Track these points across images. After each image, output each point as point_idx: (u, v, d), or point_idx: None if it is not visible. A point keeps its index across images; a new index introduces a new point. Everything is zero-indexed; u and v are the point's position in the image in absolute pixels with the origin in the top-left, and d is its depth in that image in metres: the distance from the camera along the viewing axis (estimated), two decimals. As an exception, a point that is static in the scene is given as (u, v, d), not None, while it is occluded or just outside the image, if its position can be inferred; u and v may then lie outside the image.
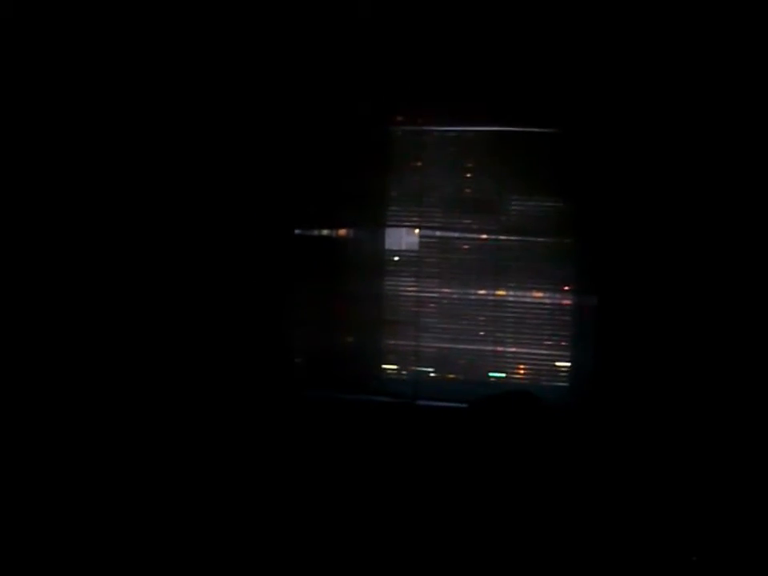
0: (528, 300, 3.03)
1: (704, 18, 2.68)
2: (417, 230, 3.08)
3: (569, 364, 3.00)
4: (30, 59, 3.03)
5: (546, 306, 3.03)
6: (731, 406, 2.76)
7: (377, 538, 2.76)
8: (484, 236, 3.03)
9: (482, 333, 3.05)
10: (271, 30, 2.99)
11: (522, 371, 3.06)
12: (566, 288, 2.98)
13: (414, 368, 3.11)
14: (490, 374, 3.07)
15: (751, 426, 2.75)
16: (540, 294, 3.03)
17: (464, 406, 2.88)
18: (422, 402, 3.01)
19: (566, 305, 2.99)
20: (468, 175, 3.03)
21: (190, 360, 3.10)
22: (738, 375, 2.76)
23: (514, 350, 3.05)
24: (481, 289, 3.04)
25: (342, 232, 3.13)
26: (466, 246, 3.04)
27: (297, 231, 3.11)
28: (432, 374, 3.11)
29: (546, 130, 2.94)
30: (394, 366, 3.14)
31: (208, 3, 2.97)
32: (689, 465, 2.79)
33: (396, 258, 3.09)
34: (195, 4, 2.98)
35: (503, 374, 3.06)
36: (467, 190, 3.03)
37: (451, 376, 3.10)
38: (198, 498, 2.94)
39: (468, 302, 3.05)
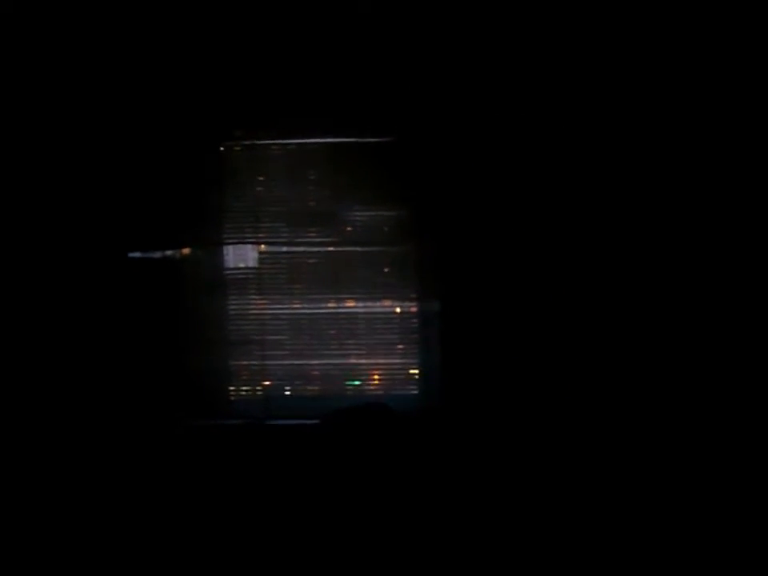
0: (375, 310, 3.03)
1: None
2: (260, 246, 3.01)
3: (418, 370, 3.02)
4: None
5: (392, 315, 3.03)
6: (569, 402, 2.88)
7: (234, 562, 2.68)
8: (326, 248, 3.00)
9: (330, 346, 3.02)
10: (101, 39, 2.85)
11: (374, 382, 3.05)
12: (411, 295, 3.00)
13: (262, 387, 3.04)
14: (345, 384, 3.04)
15: (588, 421, 2.87)
16: (386, 303, 3.03)
17: (313, 422, 2.85)
18: (272, 422, 2.94)
19: (412, 312, 3.01)
20: (307, 188, 3.00)
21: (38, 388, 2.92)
22: (575, 374, 2.87)
23: (364, 361, 3.04)
24: (326, 301, 3.01)
25: (181, 252, 3.01)
26: (308, 260, 3.00)
27: (131, 254, 2.96)
28: (283, 392, 3.05)
29: (381, 140, 2.95)
30: (243, 387, 3.05)
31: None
32: (537, 463, 2.88)
33: (237, 276, 3.01)
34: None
35: (356, 384, 3.04)
36: (307, 203, 3.00)
37: (303, 392, 3.05)
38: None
39: (314, 315, 3.01)
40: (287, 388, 3.06)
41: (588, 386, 2.86)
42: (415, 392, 3.03)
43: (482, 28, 2.80)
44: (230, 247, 3.00)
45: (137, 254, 2.97)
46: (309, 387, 3.04)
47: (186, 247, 3.00)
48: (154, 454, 2.94)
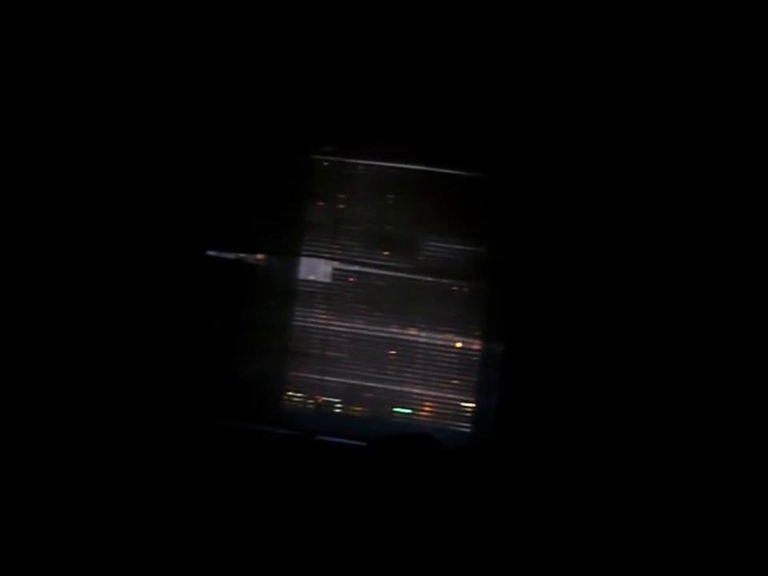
0: (437, 342, 3.02)
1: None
2: (334, 262, 3.05)
3: (473, 408, 2.99)
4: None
5: (454, 349, 3.02)
6: (634, 455, 2.80)
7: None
8: (399, 273, 3.01)
9: (389, 371, 3.02)
10: (195, 49, 2.95)
11: (426, 412, 3.03)
12: (475, 333, 2.98)
13: (316, 401, 3.04)
14: (395, 410, 3.03)
15: (659, 475, 2.79)
16: (449, 336, 3.02)
17: (363, 444, 2.83)
18: (321, 437, 2.94)
19: (474, 349, 2.99)
20: (388, 211, 3.02)
21: (93, 384, 2.97)
22: (636, 426, 2.80)
23: (420, 390, 3.02)
24: (391, 326, 3.01)
25: (256, 258, 3.06)
26: (379, 282, 3.01)
27: (209, 252, 3.03)
28: (335, 409, 3.05)
29: (469, 174, 2.96)
30: (298, 398, 3.07)
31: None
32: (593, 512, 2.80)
33: (307, 289, 3.04)
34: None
35: (408, 412, 3.03)
36: (386, 226, 3.02)
37: (355, 412, 3.05)
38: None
39: (377, 338, 3.02)
40: (339, 405, 3.06)
41: (654, 435, 2.79)
42: (467, 430, 2.99)
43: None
44: (305, 259, 3.04)
45: (214, 253, 3.03)
46: (360, 408, 3.04)
47: (262, 253, 3.05)
48: (200, 454, 2.96)
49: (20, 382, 2.95)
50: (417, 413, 3.04)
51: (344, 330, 3.04)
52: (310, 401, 3.06)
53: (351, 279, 3.03)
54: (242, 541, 2.82)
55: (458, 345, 3.02)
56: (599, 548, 2.76)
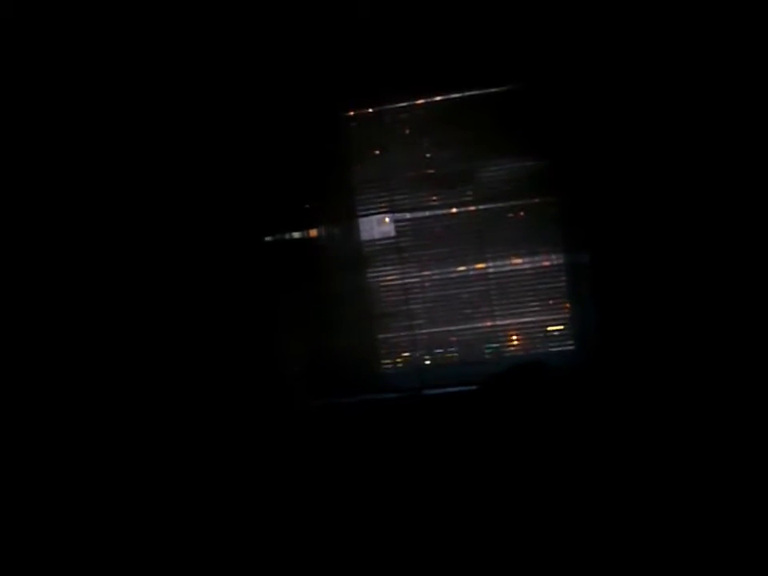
0: (518, 267, 2.90)
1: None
2: (392, 216, 2.93)
3: (570, 326, 2.88)
4: None
5: (538, 270, 2.89)
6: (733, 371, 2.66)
7: (393, 542, 2.65)
8: (461, 209, 2.89)
9: (478, 309, 2.92)
10: (222, 32, 2.83)
11: (524, 341, 2.94)
12: (556, 248, 2.86)
13: (413, 358, 2.97)
14: (490, 347, 2.94)
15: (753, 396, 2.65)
16: (530, 259, 2.89)
17: (472, 388, 2.76)
18: (428, 392, 2.88)
19: (559, 266, 2.87)
20: (437, 149, 2.88)
21: (175, 377, 2.96)
22: (737, 336, 2.65)
23: (513, 321, 2.92)
24: (469, 264, 2.90)
25: (314, 231, 2.96)
26: (444, 223, 2.89)
27: (267, 238, 2.94)
28: (435, 361, 2.97)
29: (506, 88, 2.79)
30: (393, 360, 3.00)
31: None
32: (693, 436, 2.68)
33: (375, 248, 2.94)
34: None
35: (507, 347, 2.94)
36: (438, 164, 2.89)
37: (456, 360, 2.97)
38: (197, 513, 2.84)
39: (458, 279, 2.91)
40: (439, 356, 2.98)
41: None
42: (569, 348, 2.90)
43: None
44: (365, 219, 2.93)
45: (271, 238, 2.95)
46: (458, 354, 2.96)
47: (318, 225, 2.95)
48: (295, 435, 2.93)
49: (87, 373, 2.96)
50: (514, 344, 2.95)
51: (425, 279, 2.94)
52: (408, 358, 2.98)
53: (418, 227, 2.91)
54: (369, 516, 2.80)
55: (540, 265, 2.90)
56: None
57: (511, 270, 2.88)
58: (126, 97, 2.89)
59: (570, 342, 2.89)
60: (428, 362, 2.97)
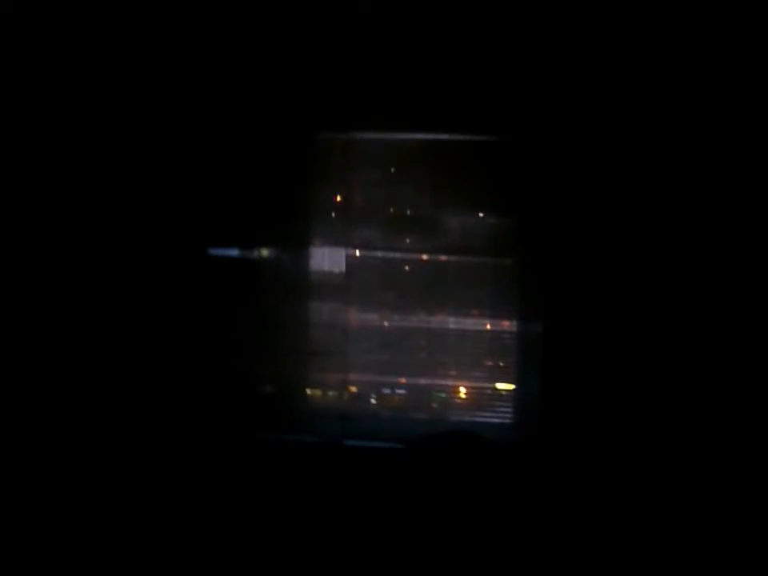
0: (468, 326, 2.74)
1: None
2: (347, 250, 2.77)
3: (512, 395, 2.72)
4: None
5: (487, 333, 2.74)
6: (681, 428, 2.53)
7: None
8: (420, 256, 2.74)
9: (419, 362, 2.75)
10: (184, 31, 2.68)
11: (462, 404, 2.77)
12: (510, 313, 2.71)
13: (342, 402, 2.78)
14: (432, 404, 2.77)
15: (703, 449, 2.51)
16: (481, 319, 2.74)
17: (397, 446, 2.58)
18: (351, 443, 2.69)
19: (510, 331, 2.72)
20: (404, 189, 2.75)
21: (101, 394, 2.75)
22: (687, 398, 2.53)
23: (453, 382, 2.76)
24: (416, 314, 2.74)
25: (263, 252, 2.79)
26: (400, 267, 2.74)
27: (210, 251, 2.77)
28: (363, 409, 2.79)
29: (489, 138, 2.67)
30: (319, 402, 2.80)
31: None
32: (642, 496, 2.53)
33: (323, 281, 2.76)
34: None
35: (442, 399, 2.76)
36: (403, 206, 2.75)
37: (386, 411, 2.78)
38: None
39: (403, 328, 2.75)
40: (369, 404, 2.80)
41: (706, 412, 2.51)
42: (508, 419, 2.73)
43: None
44: (317, 249, 2.77)
45: (217, 251, 2.77)
46: (390, 406, 2.78)
47: (269, 246, 2.78)
48: (219, 467, 2.73)
49: (28, 395, 2.74)
50: (451, 406, 2.78)
51: (368, 322, 2.77)
52: (337, 402, 2.80)
53: (369, 266, 2.75)
54: (266, 556, 2.58)
55: (491, 328, 2.75)
56: (653, 545, 2.50)
57: (459, 329, 2.72)
58: (82, 99, 2.74)
59: (510, 414, 2.73)
60: (358, 410, 2.78)
